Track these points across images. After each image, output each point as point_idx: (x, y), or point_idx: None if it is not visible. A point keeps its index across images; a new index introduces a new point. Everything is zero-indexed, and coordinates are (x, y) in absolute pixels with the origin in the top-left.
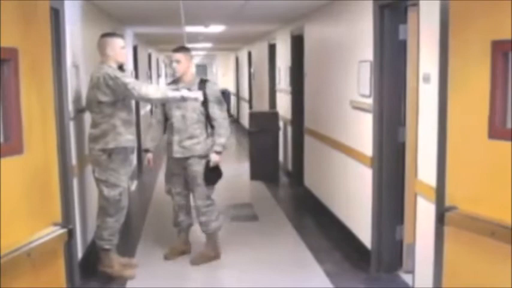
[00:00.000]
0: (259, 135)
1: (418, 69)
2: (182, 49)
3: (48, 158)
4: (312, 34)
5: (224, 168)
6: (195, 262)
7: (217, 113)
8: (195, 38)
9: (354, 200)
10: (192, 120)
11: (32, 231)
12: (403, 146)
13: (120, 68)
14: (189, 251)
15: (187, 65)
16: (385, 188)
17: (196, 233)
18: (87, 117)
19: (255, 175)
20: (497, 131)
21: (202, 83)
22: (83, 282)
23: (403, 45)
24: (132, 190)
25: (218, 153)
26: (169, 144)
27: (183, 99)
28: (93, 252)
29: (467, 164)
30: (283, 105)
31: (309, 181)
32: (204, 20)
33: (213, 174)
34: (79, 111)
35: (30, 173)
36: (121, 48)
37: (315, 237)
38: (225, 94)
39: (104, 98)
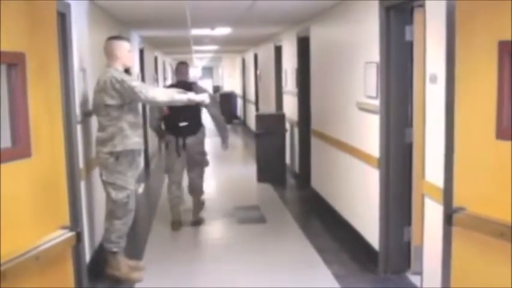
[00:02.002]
0: (266, 137)
1: (424, 70)
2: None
3: (56, 162)
4: (318, 36)
5: (231, 170)
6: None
7: None
8: (201, 40)
9: (361, 201)
10: None
11: (40, 235)
12: (410, 147)
13: (127, 71)
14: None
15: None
16: (392, 189)
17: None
18: (94, 120)
19: (262, 177)
20: (504, 131)
21: None
22: (90, 285)
23: (409, 46)
24: (140, 193)
25: None
26: None
27: (190, 101)
28: (101, 255)
29: (475, 165)
30: (290, 107)
31: (316, 183)
32: (210, 22)
33: None
34: (86, 114)
35: (38, 176)
36: (127, 52)
37: (323, 239)
38: (231, 96)
39: (110, 101)
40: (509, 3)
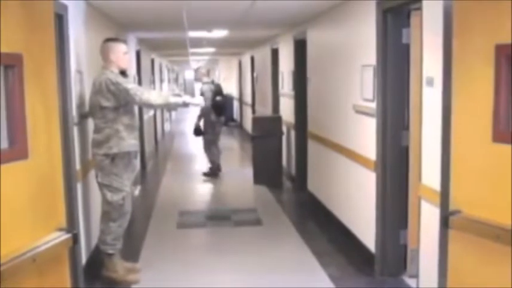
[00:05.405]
0: (263, 139)
1: (421, 73)
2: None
3: (52, 163)
4: (315, 38)
5: (227, 173)
6: None
7: None
8: (198, 42)
9: (358, 204)
10: None
11: (37, 237)
12: (406, 150)
13: (123, 73)
14: None
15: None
16: (388, 192)
17: None
18: (91, 122)
19: (258, 180)
20: (501, 134)
21: None
22: (87, 287)
23: (406, 49)
24: (136, 195)
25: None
26: None
27: (185, 104)
28: (97, 257)
29: (472, 168)
30: (286, 109)
31: (312, 185)
32: (207, 24)
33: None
34: (83, 116)
35: (35, 178)
36: (124, 54)
37: (319, 242)
38: (227, 98)
39: (106, 104)
40: (506, 6)
